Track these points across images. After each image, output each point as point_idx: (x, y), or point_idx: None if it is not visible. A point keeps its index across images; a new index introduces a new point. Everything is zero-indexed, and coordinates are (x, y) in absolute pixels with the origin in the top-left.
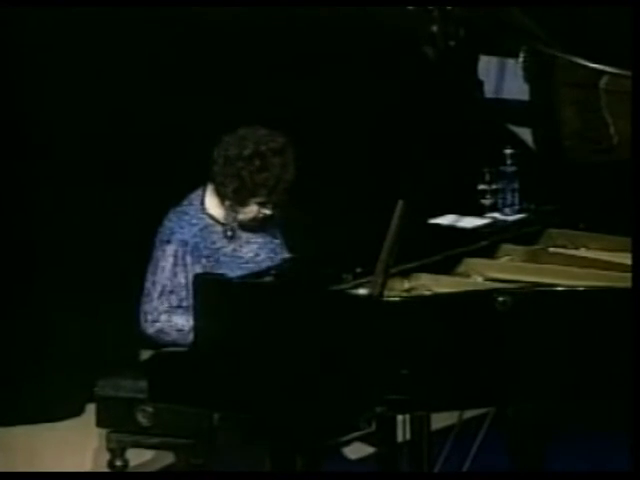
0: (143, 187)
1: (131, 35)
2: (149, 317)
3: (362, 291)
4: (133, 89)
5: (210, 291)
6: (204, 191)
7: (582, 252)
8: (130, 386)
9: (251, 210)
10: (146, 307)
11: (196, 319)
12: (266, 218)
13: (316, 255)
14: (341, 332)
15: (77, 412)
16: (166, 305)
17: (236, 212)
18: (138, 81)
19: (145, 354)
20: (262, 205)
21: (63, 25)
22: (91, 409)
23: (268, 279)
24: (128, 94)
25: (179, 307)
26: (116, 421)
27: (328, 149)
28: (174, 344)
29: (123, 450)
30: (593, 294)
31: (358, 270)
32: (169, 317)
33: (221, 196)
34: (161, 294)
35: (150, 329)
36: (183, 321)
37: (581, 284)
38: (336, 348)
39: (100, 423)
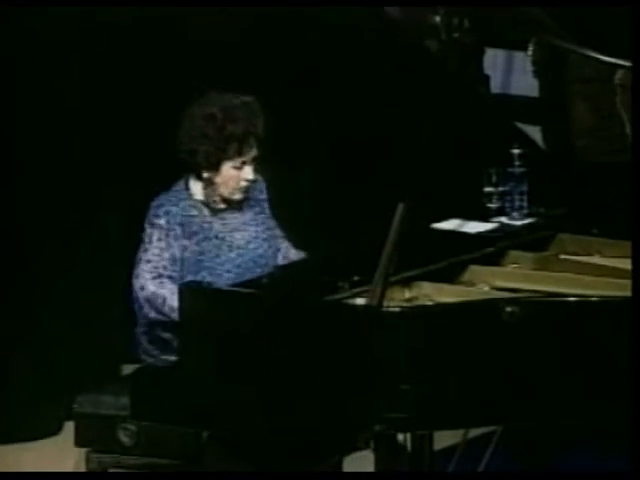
0: (135, 196)
1: (132, 35)
2: (151, 272)
3: (360, 301)
4: (132, 89)
5: (197, 301)
6: (187, 179)
7: (595, 259)
8: (111, 403)
9: (230, 176)
10: (142, 266)
11: (182, 331)
12: (249, 188)
13: (311, 262)
14: (337, 345)
15: (54, 430)
16: (167, 264)
17: (215, 184)
18: (138, 81)
19: (127, 368)
20: (238, 169)
21: (62, 24)
22: (69, 427)
23: (258, 288)
24: (127, 94)
25: (170, 278)
26: (96, 440)
27: (324, 150)
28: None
29: (104, 471)
30: (607, 304)
31: (355, 278)
32: (174, 284)
33: (196, 169)
34: (159, 251)
35: (150, 287)
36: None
37: (594, 293)
38: (332, 362)
39: (79, 442)
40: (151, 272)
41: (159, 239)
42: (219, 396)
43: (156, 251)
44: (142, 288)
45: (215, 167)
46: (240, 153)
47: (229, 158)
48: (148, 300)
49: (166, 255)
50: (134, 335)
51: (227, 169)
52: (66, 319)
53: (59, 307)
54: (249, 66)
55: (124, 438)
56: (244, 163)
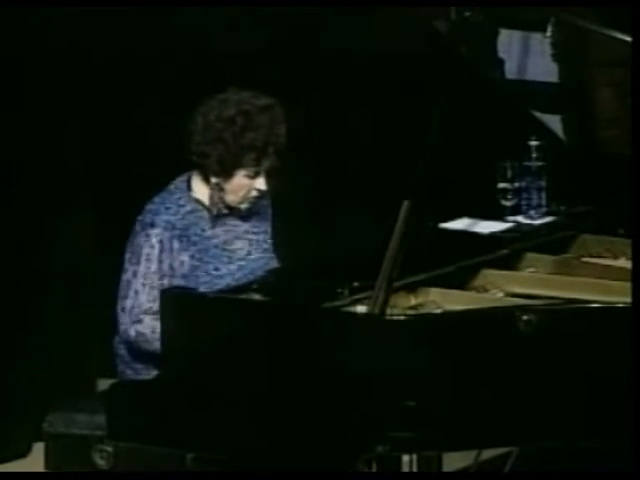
0: (118, 206)
1: (133, 36)
2: (133, 314)
3: (360, 308)
4: (134, 90)
5: (181, 308)
6: (190, 177)
7: (622, 262)
8: (85, 421)
9: (240, 185)
10: (126, 302)
11: (164, 342)
12: (258, 198)
13: (307, 266)
14: (335, 357)
15: (22, 452)
16: (152, 303)
17: (223, 191)
18: (140, 82)
19: (103, 383)
20: (252, 178)
21: (64, 25)
22: (39, 449)
23: (250, 294)
24: (128, 95)
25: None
26: (69, 463)
27: (322, 146)
28: (154, 356)
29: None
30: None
31: (356, 284)
32: (154, 320)
33: (205, 172)
34: (144, 287)
35: (131, 331)
36: None
37: (620, 300)
38: (329, 375)
39: (49, 465)
40: (147, 302)
41: (148, 257)
42: (205, 414)
43: (152, 272)
44: (136, 322)
45: (227, 174)
46: (257, 163)
47: (244, 166)
48: (143, 336)
49: (162, 271)
50: (112, 345)
51: (239, 177)
52: (36, 329)
53: (28, 314)
54: (248, 67)
55: (100, 461)
56: (258, 173)
